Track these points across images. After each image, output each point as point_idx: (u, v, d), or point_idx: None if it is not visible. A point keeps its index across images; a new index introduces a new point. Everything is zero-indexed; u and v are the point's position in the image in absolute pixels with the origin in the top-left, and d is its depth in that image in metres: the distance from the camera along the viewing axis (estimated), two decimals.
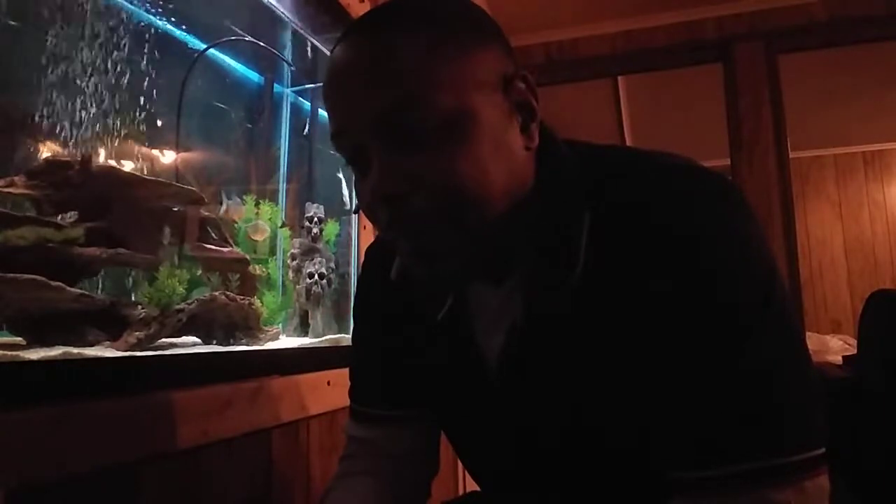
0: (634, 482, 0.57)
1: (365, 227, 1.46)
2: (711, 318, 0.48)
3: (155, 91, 1.21)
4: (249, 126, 1.68)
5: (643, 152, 0.57)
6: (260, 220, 1.32)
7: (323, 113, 1.78)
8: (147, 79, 1.20)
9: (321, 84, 1.74)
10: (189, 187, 1.09)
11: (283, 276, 1.47)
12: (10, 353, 0.70)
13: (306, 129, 1.77)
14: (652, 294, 0.50)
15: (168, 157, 1.29)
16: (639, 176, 0.54)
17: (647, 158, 0.56)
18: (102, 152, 1.12)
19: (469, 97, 0.49)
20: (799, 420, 0.47)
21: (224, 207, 1.28)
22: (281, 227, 1.41)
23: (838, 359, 1.66)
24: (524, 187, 0.54)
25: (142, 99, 1.19)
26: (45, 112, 1.02)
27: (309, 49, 1.59)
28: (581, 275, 0.52)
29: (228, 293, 1.05)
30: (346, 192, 1.67)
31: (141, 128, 1.20)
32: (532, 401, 0.58)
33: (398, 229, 0.52)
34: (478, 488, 0.75)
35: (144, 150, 1.24)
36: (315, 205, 1.44)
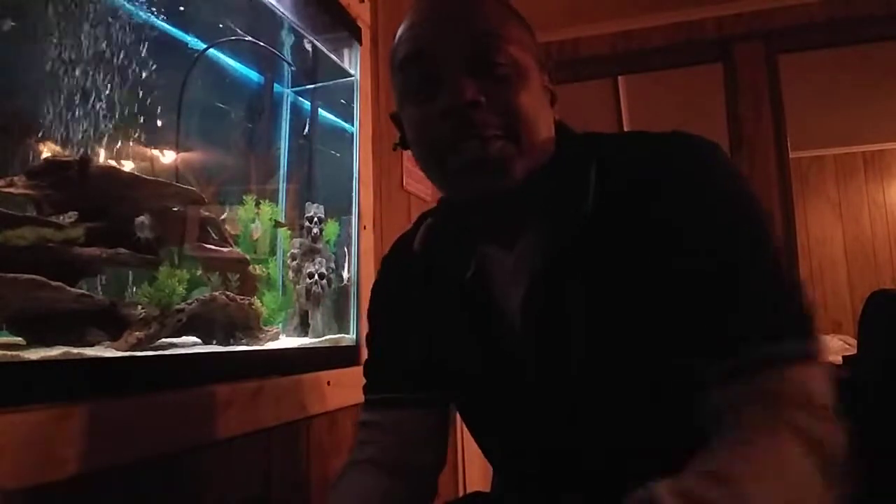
0: (656, 440, 0.58)
1: (365, 228, 1.46)
2: (720, 217, 0.55)
3: (155, 91, 1.21)
4: (249, 126, 1.68)
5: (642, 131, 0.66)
6: (257, 221, 1.32)
7: (323, 113, 1.78)
8: (147, 79, 1.20)
9: (321, 84, 1.76)
10: (189, 187, 1.09)
11: (283, 276, 1.47)
12: (10, 353, 0.70)
13: (306, 129, 1.77)
14: (657, 215, 0.56)
15: (168, 157, 1.29)
16: (638, 136, 0.64)
17: (646, 132, 0.65)
18: (102, 152, 1.12)
19: (528, 59, 0.61)
20: (807, 308, 0.53)
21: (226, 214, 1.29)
22: (274, 226, 1.41)
23: (838, 359, 1.66)
24: (549, 152, 0.62)
25: (142, 99, 1.19)
26: (44, 112, 1.02)
27: (309, 49, 1.59)
28: (592, 210, 0.59)
29: (228, 293, 1.05)
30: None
31: (141, 128, 1.20)
32: (555, 353, 0.61)
33: (469, 134, 0.57)
34: (479, 488, 0.75)
35: (144, 149, 1.24)
36: (315, 205, 1.44)
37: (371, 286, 0.81)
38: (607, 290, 0.58)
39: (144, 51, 1.19)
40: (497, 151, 0.57)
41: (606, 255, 0.58)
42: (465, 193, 0.63)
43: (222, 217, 1.27)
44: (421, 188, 1.78)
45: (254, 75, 1.69)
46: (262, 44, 1.54)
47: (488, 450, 0.74)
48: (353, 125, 1.48)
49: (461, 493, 1.25)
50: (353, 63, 1.51)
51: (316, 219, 1.41)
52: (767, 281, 0.53)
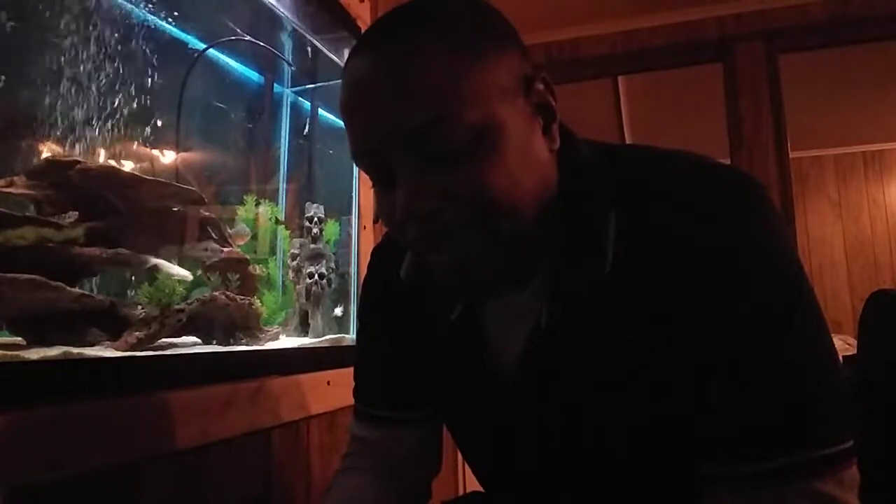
0: (651, 483, 0.57)
1: (365, 228, 1.46)
2: (751, 317, 0.48)
3: (155, 91, 1.21)
4: (249, 126, 1.68)
5: (666, 152, 0.57)
6: (242, 224, 1.32)
7: (323, 113, 1.78)
8: (147, 79, 1.20)
9: (321, 84, 1.76)
10: (189, 187, 1.09)
11: (283, 276, 1.47)
12: (10, 353, 0.70)
13: (306, 129, 1.77)
14: (685, 295, 0.50)
15: (168, 157, 1.29)
16: (667, 178, 0.54)
17: (672, 158, 0.56)
18: (103, 152, 1.12)
19: (494, 107, 0.49)
20: (836, 411, 0.48)
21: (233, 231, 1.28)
22: (276, 223, 1.41)
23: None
24: (550, 190, 0.54)
25: (142, 99, 1.19)
26: (44, 112, 1.02)
27: (309, 49, 1.59)
28: (609, 274, 0.52)
29: (228, 293, 1.05)
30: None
31: (141, 127, 1.20)
32: (552, 401, 0.58)
33: (430, 245, 0.52)
34: (477, 488, 0.75)
35: (145, 149, 1.24)
36: (315, 205, 1.44)
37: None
38: (615, 358, 0.53)
39: (144, 50, 1.19)
40: (466, 256, 0.50)
41: (620, 322, 0.52)
42: (433, 285, 0.57)
43: (219, 215, 1.27)
44: None
45: (254, 75, 1.69)
46: (262, 44, 1.54)
47: (479, 474, 0.72)
48: None
49: (460, 493, 1.25)
50: None
51: (316, 219, 1.41)
52: (803, 383, 0.48)
